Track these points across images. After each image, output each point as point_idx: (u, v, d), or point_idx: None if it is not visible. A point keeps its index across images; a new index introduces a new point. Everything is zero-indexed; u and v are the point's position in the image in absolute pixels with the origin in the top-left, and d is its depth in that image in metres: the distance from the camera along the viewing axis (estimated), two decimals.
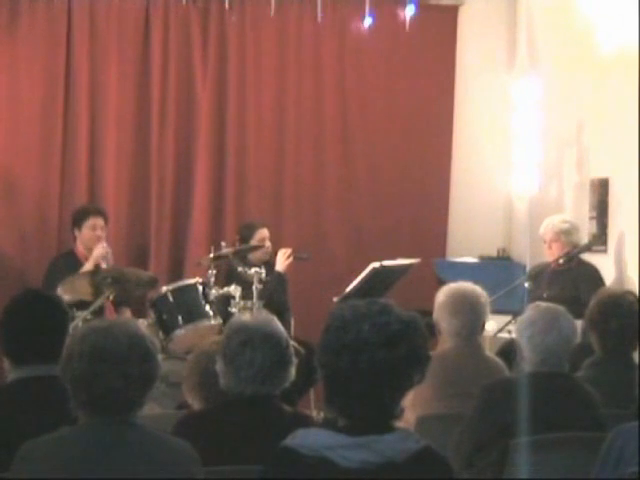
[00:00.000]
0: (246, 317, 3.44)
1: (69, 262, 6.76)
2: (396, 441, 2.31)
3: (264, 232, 7.12)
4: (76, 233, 6.93)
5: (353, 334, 2.31)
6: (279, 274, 6.97)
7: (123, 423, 2.65)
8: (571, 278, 6.51)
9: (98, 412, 2.64)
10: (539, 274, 6.66)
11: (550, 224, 6.70)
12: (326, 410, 2.39)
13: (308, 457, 2.27)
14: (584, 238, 6.85)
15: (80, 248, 6.88)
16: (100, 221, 6.93)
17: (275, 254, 7.08)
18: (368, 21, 8.03)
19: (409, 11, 8.05)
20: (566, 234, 6.61)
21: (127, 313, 6.87)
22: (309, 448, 2.28)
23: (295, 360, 3.35)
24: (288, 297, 7.17)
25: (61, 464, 2.58)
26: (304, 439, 2.31)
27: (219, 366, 3.29)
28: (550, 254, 6.67)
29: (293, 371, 3.32)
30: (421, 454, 2.33)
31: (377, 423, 2.32)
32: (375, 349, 2.29)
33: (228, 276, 6.80)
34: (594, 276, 6.46)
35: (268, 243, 7.11)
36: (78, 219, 6.95)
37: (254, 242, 7.01)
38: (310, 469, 2.27)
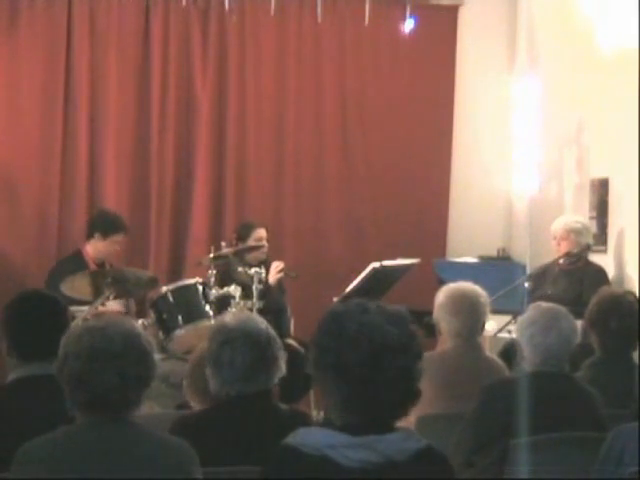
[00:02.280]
0: (227, 318, 3.43)
1: (77, 264, 6.67)
2: (397, 441, 2.31)
3: (261, 232, 7.12)
4: (96, 237, 6.73)
5: (351, 335, 2.30)
6: (268, 286, 6.88)
7: (120, 422, 2.65)
8: (577, 278, 6.50)
9: (95, 411, 2.64)
10: (543, 272, 6.64)
11: (562, 222, 6.68)
12: (326, 410, 2.39)
13: (310, 456, 2.27)
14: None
15: (90, 251, 6.76)
16: (123, 237, 6.85)
17: (268, 265, 7.03)
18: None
19: (408, 25, 8.08)
20: (576, 233, 6.59)
21: (132, 304, 6.82)
22: (311, 447, 2.28)
23: (284, 355, 3.34)
24: (286, 298, 7.17)
25: (59, 464, 2.58)
26: (306, 438, 2.31)
27: (207, 369, 3.30)
28: (558, 251, 6.65)
29: (281, 366, 3.31)
30: (422, 453, 2.33)
31: (378, 423, 2.32)
32: (378, 350, 2.29)
33: (228, 276, 6.79)
34: (599, 277, 6.44)
35: (265, 242, 7.10)
36: (107, 228, 6.73)
37: (251, 241, 7.00)
38: (312, 468, 2.26)
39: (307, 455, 2.27)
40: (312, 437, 2.30)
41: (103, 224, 6.79)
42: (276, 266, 6.98)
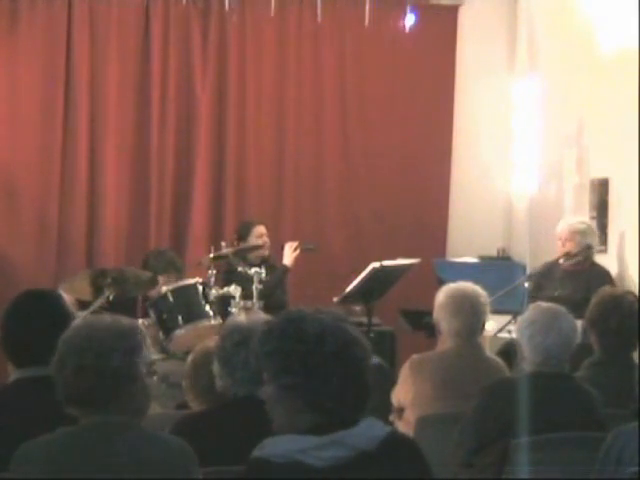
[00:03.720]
0: (241, 318, 3.44)
1: None
2: (364, 431, 2.33)
3: (261, 228, 7.13)
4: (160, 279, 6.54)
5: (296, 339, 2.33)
6: (285, 268, 6.97)
7: (119, 423, 2.65)
8: (584, 279, 6.46)
9: (87, 408, 2.64)
10: (547, 273, 6.62)
11: (567, 223, 6.66)
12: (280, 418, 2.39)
13: (281, 465, 2.27)
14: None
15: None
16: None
17: (280, 249, 7.07)
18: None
19: (409, 20, 8.11)
20: (581, 234, 6.56)
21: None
22: (281, 455, 2.28)
23: None
24: (287, 297, 7.18)
25: (58, 465, 2.58)
26: (273, 447, 2.31)
27: (215, 367, 3.30)
28: (563, 252, 6.63)
29: None
30: (389, 439, 2.36)
31: (344, 418, 2.33)
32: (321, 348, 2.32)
33: (228, 276, 6.80)
34: (606, 279, 6.41)
35: (266, 238, 7.12)
36: (155, 270, 6.60)
37: (251, 238, 7.02)
38: (286, 476, 2.27)
39: (278, 464, 2.27)
40: (280, 445, 2.30)
41: (153, 264, 6.68)
42: (290, 245, 7.02)
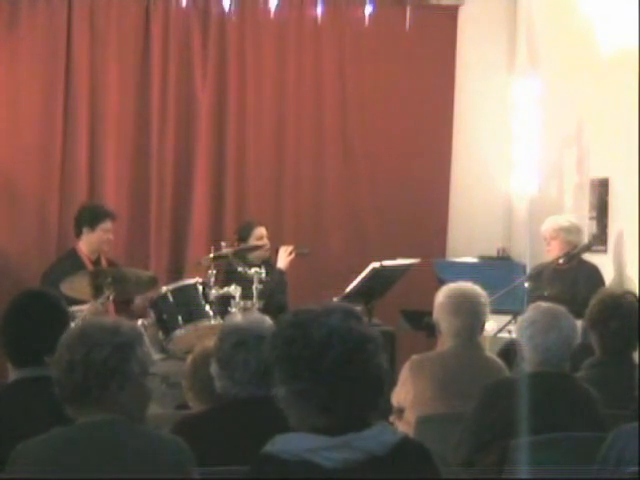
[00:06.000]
0: (239, 318, 3.43)
1: (73, 262, 6.64)
2: (375, 435, 2.32)
3: (261, 230, 7.14)
4: (85, 231, 6.69)
5: (309, 340, 2.31)
6: (280, 272, 6.98)
7: (116, 422, 2.65)
8: (572, 277, 6.50)
9: (81, 405, 2.65)
10: (540, 273, 6.64)
11: (551, 222, 6.69)
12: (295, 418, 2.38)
13: (291, 462, 2.26)
14: (584, 238, 6.84)
15: (83, 248, 6.72)
16: (111, 224, 6.78)
17: (275, 252, 7.09)
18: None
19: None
20: (566, 232, 6.59)
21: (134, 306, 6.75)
22: (291, 453, 2.27)
23: None
24: (287, 297, 7.18)
25: (53, 464, 2.58)
26: (284, 444, 2.30)
27: (213, 369, 3.29)
28: (549, 252, 6.67)
29: None
30: (401, 445, 2.34)
31: (356, 420, 2.32)
32: (333, 349, 2.29)
33: (228, 276, 6.80)
34: (594, 276, 6.45)
35: (266, 240, 7.13)
36: (92, 219, 6.69)
37: (252, 240, 7.03)
38: (294, 474, 2.26)
39: (288, 461, 2.26)
40: (291, 443, 2.30)
41: (88, 216, 6.75)
42: (285, 249, 7.03)
